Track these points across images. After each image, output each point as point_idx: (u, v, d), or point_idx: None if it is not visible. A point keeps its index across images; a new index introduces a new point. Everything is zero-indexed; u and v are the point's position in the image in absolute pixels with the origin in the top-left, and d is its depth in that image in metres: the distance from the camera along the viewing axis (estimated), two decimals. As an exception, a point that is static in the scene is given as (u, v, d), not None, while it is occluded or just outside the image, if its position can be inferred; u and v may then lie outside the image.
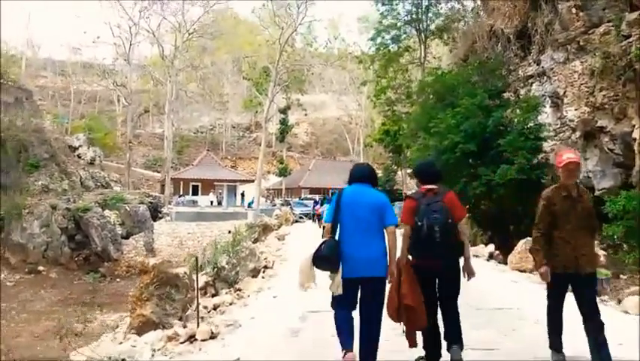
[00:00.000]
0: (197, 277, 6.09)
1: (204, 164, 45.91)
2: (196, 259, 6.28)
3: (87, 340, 16.86)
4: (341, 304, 4.10)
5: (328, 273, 4.06)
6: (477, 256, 13.76)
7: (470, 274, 4.45)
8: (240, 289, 7.87)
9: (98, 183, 36.62)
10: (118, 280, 28.31)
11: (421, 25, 30.26)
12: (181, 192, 42.49)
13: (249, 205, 40.93)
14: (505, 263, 13.44)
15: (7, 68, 36.25)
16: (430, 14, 30.37)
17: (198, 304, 5.62)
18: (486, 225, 17.96)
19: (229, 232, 29.49)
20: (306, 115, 60.02)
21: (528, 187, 14.80)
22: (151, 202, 33.73)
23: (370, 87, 42.41)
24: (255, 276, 10.20)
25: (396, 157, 40.81)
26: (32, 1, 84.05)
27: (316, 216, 26.55)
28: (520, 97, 16.96)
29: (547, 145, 15.75)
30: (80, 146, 38.78)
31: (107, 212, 30.68)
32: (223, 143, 73.07)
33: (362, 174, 4.39)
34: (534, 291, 7.88)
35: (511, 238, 16.15)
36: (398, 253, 4.17)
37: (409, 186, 52.96)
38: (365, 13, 66.42)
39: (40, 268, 28.07)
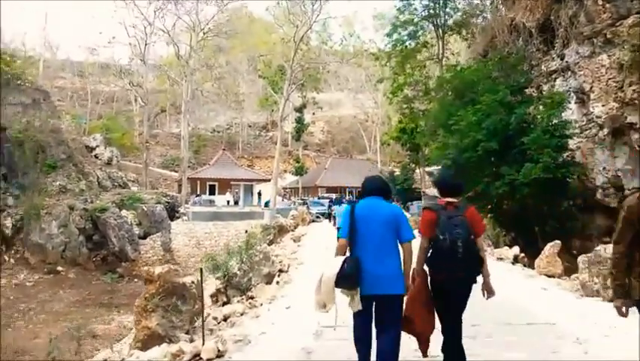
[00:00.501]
0: (201, 291, 5.75)
1: (221, 163, 45.76)
2: (200, 271, 5.93)
3: (104, 342, 16.78)
4: (361, 323, 4.03)
5: (346, 290, 3.96)
6: (501, 259, 13.29)
7: (490, 292, 4.27)
8: (252, 297, 7.53)
9: (116, 183, 36.73)
10: (135, 280, 28.25)
11: (438, 21, 29.61)
12: (198, 192, 42.41)
13: (266, 205, 40.69)
14: (532, 267, 12.95)
15: (24, 70, 36.35)
16: (447, 9, 29.72)
17: (204, 321, 5.27)
18: (509, 225, 17.39)
19: (246, 231, 29.33)
20: (320, 109, 59.08)
21: (553, 187, 14.28)
22: (168, 202, 33.69)
23: (387, 84, 41.83)
24: (269, 281, 9.87)
25: (414, 155, 40.15)
26: (49, 2, 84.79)
27: (332, 216, 26.19)
28: (543, 93, 16.39)
29: (572, 143, 15.16)
30: (97, 146, 38.94)
31: (124, 212, 30.70)
32: (239, 142, 72.95)
33: (375, 187, 4.28)
34: (568, 301, 7.39)
35: (536, 239, 15.61)
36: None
37: (428, 184, 52.36)
38: (381, 11, 65.93)
39: (59, 268, 28.20)
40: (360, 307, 3.88)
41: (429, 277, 4.12)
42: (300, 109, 53.91)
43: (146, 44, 42.44)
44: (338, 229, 4.62)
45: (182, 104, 43.60)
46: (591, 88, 13.98)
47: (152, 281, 5.99)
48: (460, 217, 4.04)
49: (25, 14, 79.41)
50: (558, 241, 10.84)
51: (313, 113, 63.36)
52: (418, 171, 42.62)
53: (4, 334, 18.22)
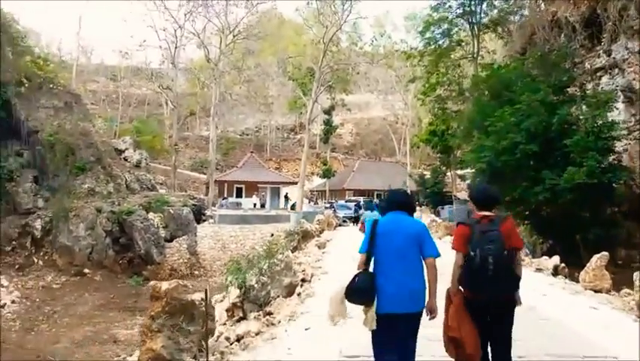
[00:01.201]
0: (206, 315, 5.11)
1: (248, 166, 45.47)
2: (205, 292, 5.31)
3: (126, 348, 16.40)
4: (382, 347, 3.85)
5: (362, 307, 3.85)
6: (540, 270, 12.33)
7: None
8: (270, 313, 6.88)
9: (144, 186, 36.68)
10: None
11: (473, 18, 28.47)
12: (225, 195, 42.18)
13: (292, 208, 40.18)
14: (573, 279, 11.97)
15: (57, 73, 36.77)
16: (483, 6, 28.49)
17: (207, 349, 4.62)
18: (547, 233, 16.35)
19: (271, 235, 28.82)
20: (349, 111, 58.30)
21: (598, 192, 13.27)
22: (195, 205, 33.48)
23: (418, 85, 40.81)
24: (290, 292, 9.22)
25: (444, 158, 39.03)
26: (82, 1, 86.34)
27: (361, 222, 25.36)
28: (587, 92, 15.30)
29: (619, 145, 14.10)
30: (127, 149, 38.94)
31: (150, 215, 30.56)
32: (267, 145, 72.87)
33: (399, 202, 4.16)
34: (625, 326, 6.46)
35: (577, 248, 14.57)
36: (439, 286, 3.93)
37: (459, 188, 50.97)
38: (412, 12, 64.69)
39: (86, 270, 28.23)
40: (374, 326, 3.74)
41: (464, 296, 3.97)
42: (328, 111, 53.32)
43: (176, 47, 42.47)
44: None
45: (212, 107, 43.38)
46: (642, 86, 12.89)
47: (158, 298, 5.39)
48: (494, 232, 3.84)
49: (60, 18, 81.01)
50: (606, 253, 9.86)
51: (340, 124, 62.51)
52: (448, 174, 41.41)
53: (27, 338, 18.11)
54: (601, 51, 14.73)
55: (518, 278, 4.01)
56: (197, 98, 66.00)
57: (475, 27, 28.66)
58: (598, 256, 9.69)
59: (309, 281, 10.32)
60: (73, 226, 29.03)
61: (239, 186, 42.77)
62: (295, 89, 53.55)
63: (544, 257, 13.36)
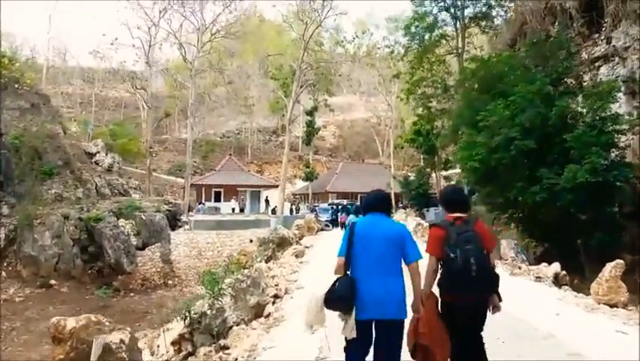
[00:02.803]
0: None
1: (227, 169, 43.83)
2: (131, 335, 3.89)
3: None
4: (354, 352, 3.70)
5: (340, 314, 3.69)
6: (539, 279, 11.05)
7: (496, 308, 4.02)
8: (225, 347, 5.47)
9: (115, 191, 35.00)
10: (132, 294, 26.63)
11: (458, 12, 27.29)
12: (203, 199, 40.49)
13: (273, 212, 38.70)
14: (576, 288, 10.77)
15: (22, 73, 34.88)
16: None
17: None
18: (544, 237, 15.14)
19: (250, 241, 27.34)
20: (332, 112, 57.12)
21: (601, 192, 12.04)
22: (169, 210, 31.83)
23: (401, 84, 39.61)
24: (258, 314, 7.84)
25: (429, 159, 37.90)
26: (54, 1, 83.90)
27: (343, 225, 24.04)
28: (584, 84, 14.11)
29: (621, 140, 12.90)
30: (98, 152, 37.20)
31: (121, 221, 28.93)
32: (249, 147, 71.34)
33: (378, 203, 4.00)
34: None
35: (577, 253, 13.37)
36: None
37: (444, 189, 49.93)
38: (394, 14, 63.65)
39: (52, 281, 26.67)
40: (354, 334, 3.59)
41: (439, 301, 3.88)
42: (310, 112, 52.01)
43: (150, 46, 40.77)
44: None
45: (188, 107, 41.75)
46: (648, 75, 11.72)
47: (61, 340, 3.94)
48: (470, 232, 3.81)
49: (29, 18, 78.67)
50: (621, 261, 8.62)
51: (323, 126, 61.25)
52: (433, 175, 40.30)
53: (-24, 361, 16.49)
54: (600, 39, 13.58)
55: (498, 278, 3.92)
56: (176, 100, 64.27)
57: (459, 21, 27.49)
58: (612, 264, 8.42)
59: (282, 298, 8.93)
60: (38, 235, 27.39)
61: (217, 190, 41.08)
62: (277, 90, 52.09)
63: (544, 264, 12.12)
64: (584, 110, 12.63)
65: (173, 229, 31.48)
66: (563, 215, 13.04)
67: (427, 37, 28.35)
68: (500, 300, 4.00)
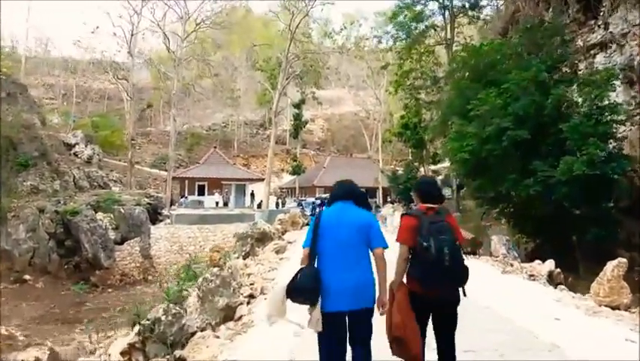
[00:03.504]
0: None
1: (211, 162, 42.76)
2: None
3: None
4: (326, 347, 3.54)
5: (307, 307, 3.52)
6: (533, 277, 10.41)
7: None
8: (181, 359, 4.71)
9: (95, 184, 33.96)
10: (110, 290, 25.80)
11: (447, 1, 26.51)
12: (186, 192, 39.48)
13: (259, 206, 37.86)
14: (572, 288, 10.17)
15: (-2, 61, 33.71)
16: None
17: None
18: (536, 232, 14.51)
19: (234, 235, 26.57)
20: (320, 105, 56.33)
21: (597, 185, 11.40)
22: (150, 203, 30.89)
23: (390, 77, 38.84)
24: (229, 317, 7.10)
25: (417, 153, 37.24)
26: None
27: None
28: (579, 73, 13.46)
29: (619, 131, 12.27)
30: (77, 143, 36.03)
31: (99, 215, 27.98)
32: (235, 140, 70.27)
33: (344, 192, 3.89)
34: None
35: (571, 249, 12.77)
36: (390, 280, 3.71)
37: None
38: (383, 9, 62.75)
39: (27, 277, 25.82)
40: (320, 327, 3.45)
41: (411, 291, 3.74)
42: (298, 105, 51.16)
43: (132, 35, 39.58)
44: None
45: (171, 97, 40.66)
46: (648, 62, 11.08)
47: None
48: (443, 223, 3.74)
49: (9, 7, 76.77)
50: (624, 260, 7.98)
51: (311, 119, 60.28)
52: (422, 169, 39.69)
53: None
54: (596, 25, 12.93)
55: (468, 270, 3.77)
56: (161, 92, 63.04)
57: (448, 11, 26.73)
58: (614, 263, 7.76)
59: (256, 299, 8.18)
60: (12, 228, 26.50)
61: (201, 183, 40.04)
62: (264, 82, 51.11)
63: (537, 261, 11.47)
64: (580, 100, 11.98)
65: (154, 223, 30.56)
66: (556, 209, 12.43)
67: (414, 27, 27.54)
68: (464, 295, 3.80)
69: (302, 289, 3.46)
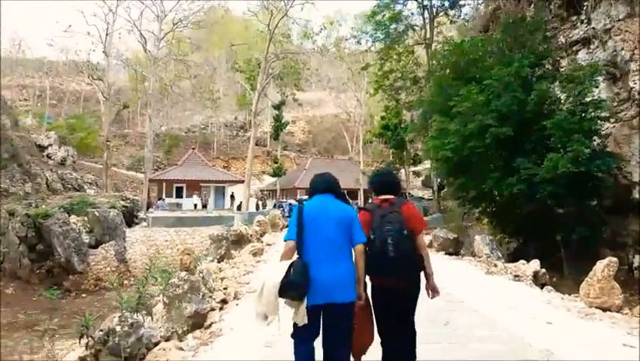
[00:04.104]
0: None
1: (190, 163, 41.87)
2: None
3: (21, 382, 13.25)
4: (303, 336, 3.54)
5: (289, 301, 3.48)
6: (518, 278, 10.09)
7: (434, 291, 3.94)
8: (135, 376, 4.22)
9: (69, 186, 33.01)
10: (84, 295, 24.94)
11: (426, 1, 26.24)
12: (164, 195, 38.60)
13: (239, 208, 37.21)
14: (556, 288, 9.89)
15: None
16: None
17: None
18: (518, 232, 14.27)
19: (209, 238, 25.94)
20: (300, 106, 55.91)
21: (581, 183, 11.17)
22: (125, 206, 30.06)
23: (370, 77, 38.57)
24: (198, 324, 6.62)
25: (398, 153, 37.01)
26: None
27: None
28: (561, 70, 13.25)
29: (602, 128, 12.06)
30: (50, 145, 34.97)
31: (72, 218, 27.10)
32: (215, 142, 69.38)
33: (325, 184, 3.86)
34: None
35: (555, 249, 12.53)
36: None
37: (413, 185, 49.27)
38: (364, 10, 62.45)
39: (-4, 283, 24.73)
40: (306, 320, 3.44)
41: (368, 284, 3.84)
42: (278, 106, 50.60)
43: (107, 34, 38.63)
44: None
45: (147, 97, 39.80)
46: (631, 58, 10.87)
47: None
48: (394, 214, 3.75)
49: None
50: (615, 259, 7.69)
51: (292, 121, 59.68)
52: (402, 170, 39.49)
53: None
54: (579, 21, 12.72)
55: (421, 259, 3.80)
56: (138, 93, 61.93)
57: (427, 10, 26.45)
58: (604, 262, 7.46)
59: (228, 304, 7.71)
60: (-20, 233, 25.48)
61: (179, 185, 39.16)
62: (244, 83, 50.48)
63: (521, 261, 11.17)
64: (563, 96, 11.73)
65: (130, 226, 29.71)
66: (540, 208, 12.19)
67: (394, 27, 27.20)
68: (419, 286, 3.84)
69: (295, 284, 3.39)
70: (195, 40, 62.81)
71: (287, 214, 30.17)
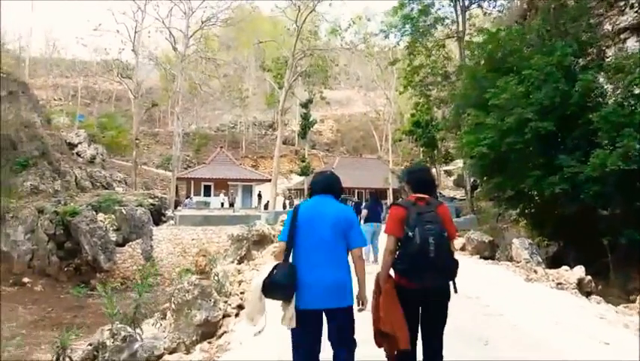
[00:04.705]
0: None
1: (218, 162, 41.84)
2: None
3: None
4: (300, 344, 3.43)
5: (280, 303, 3.42)
6: (561, 285, 9.23)
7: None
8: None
9: (97, 184, 33.19)
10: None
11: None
12: (192, 193, 38.60)
13: (266, 207, 36.88)
14: (605, 297, 9.02)
15: None
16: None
17: None
18: (556, 233, 13.30)
19: (228, 238, 25.62)
20: (328, 104, 55.19)
21: (632, 182, 10.19)
22: (153, 204, 29.99)
23: (398, 74, 37.62)
24: (209, 334, 6.10)
25: (429, 152, 35.98)
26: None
27: None
28: (607, 60, 12.24)
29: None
30: (80, 143, 35.25)
31: (100, 216, 27.16)
32: (243, 141, 69.45)
33: (324, 185, 3.73)
34: None
35: (602, 253, 11.54)
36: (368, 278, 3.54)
37: (445, 185, 48.08)
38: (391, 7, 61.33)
39: (25, 279, 25.26)
40: (293, 323, 3.36)
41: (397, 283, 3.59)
42: (305, 105, 50.12)
43: (135, 32, 38.79)
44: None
45: (176, 96, 39.85)
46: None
47: None
48: (432, 213, 3.53)
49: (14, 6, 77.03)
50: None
51: (321, 120, 59.12)
52: (433, 170, 38.45)
53: None
54: (627, 7, 11.71)
55: (457, 263, 3.55)
56: (168, 92, 62.47)
57: (459, 2, 25.32)
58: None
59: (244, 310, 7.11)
60: (11, 230, 25.84)
61: (206, 183, 39.12)
62: (272, 82, 50.23)
63: (564, 267, 10.28)
64: (611, 88, 10.77)
65: (157, 224, 29.67)
66: (583, 210, 11.24)
67: (422, 20, 26.16)
68: (455, 291, 3.62)
69: (277, 284, 3.33)
70: (225, 40, 62.87)
71: None
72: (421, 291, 3.50)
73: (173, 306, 6.26)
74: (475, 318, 5.72)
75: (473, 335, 5.05)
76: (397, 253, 3.53)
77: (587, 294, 9.37)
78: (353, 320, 3.51)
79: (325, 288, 3.40)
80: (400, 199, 4.60)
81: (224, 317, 6.98)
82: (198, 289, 6.30)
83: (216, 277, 7.74)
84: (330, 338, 3.49)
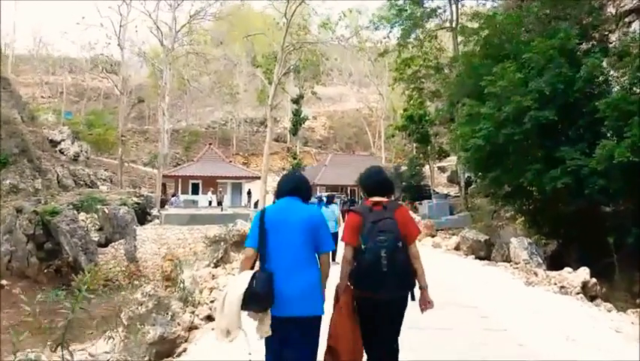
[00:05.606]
0: None
1: (207, 159, 40.84)
2: None
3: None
4: (273, 351, 3.31)
5: (252, 313, 3.25)
6: (564, 289, 8.47)
7: (428, 304, 3.47)
8: None
9: (81, 182, 32.21)
10: (92, 296, 23.84)
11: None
12: (179, 191, 37.59)
13: (256, 205, 35.96)
14: (611, 301, 8.30)
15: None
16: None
17: None
18: (555, 231, 12.51)
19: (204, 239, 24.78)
20: (319, 100, 54.38)
21: (638, 176, 9.40)
22: (137, 203, 29.04)
23: (390, 67, 36.77)
24: (166, 353, 5.26)
25: (422, 147, 35.12)
26: None
27: None
28: (611, 44, 11.44)
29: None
30: (63, 140, 34.18)
31: (82, 215, 26.19)
32: (234, 138, 68.48)
33: (291, 186, 3.58)
34: None
35: (606, 254, 10.75)
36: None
37: (438, 181, 47.31)
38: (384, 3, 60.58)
39: (4, 282, 24.15)
40: (270, 332, 3.21)
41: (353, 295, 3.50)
42: (297, 100, 49.19)
43: (121, 26, 37.72)
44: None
45: (162, 91, 38.84)
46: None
47: None
48: (387, 220, 3.39)
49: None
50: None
51: (313, 117, 58.25)
52: (427, 165, 37.64)
53: None
54: (632, -13, 10.93)
55: (415, 274, 3.42)
56: (157, 89, 61.40)
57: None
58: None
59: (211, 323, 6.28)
60: (-14, 230, 24.82)
61: (194, 181, 38.12)
62: (262, 77, 49.31)
63: (567, 269, 9.48)
64: (616, 74, 9.96)
65: (142, 223, 28.72)
66: (586, 206, 10.45)
67: (414, 9, 25.27)
68: (412, 299, 3.44)
69: (259, 296, 3.14)
70: (215, 35, 61.86)
71: None
72: (375, 301, 3.38)
73: (124, 321, 5.37)
74: (473, 334, 4.89)
75: (471, 355, 4.22)
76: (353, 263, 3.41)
77: (592, 298, 8.60)
78: (319, 331, 3.31)
79: (295, 295, 3.23)
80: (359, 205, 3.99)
81: (190, 329, 6.14)
82: (153, 301, 5.47)
83: (182, 285, 6.83)
84: (289, 347, 3.27)
